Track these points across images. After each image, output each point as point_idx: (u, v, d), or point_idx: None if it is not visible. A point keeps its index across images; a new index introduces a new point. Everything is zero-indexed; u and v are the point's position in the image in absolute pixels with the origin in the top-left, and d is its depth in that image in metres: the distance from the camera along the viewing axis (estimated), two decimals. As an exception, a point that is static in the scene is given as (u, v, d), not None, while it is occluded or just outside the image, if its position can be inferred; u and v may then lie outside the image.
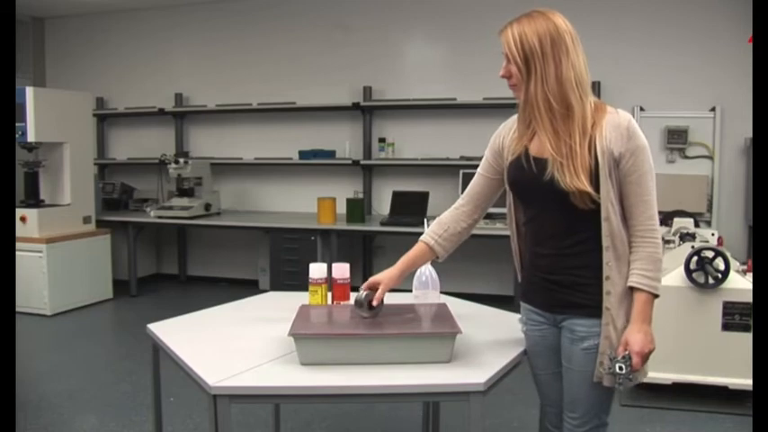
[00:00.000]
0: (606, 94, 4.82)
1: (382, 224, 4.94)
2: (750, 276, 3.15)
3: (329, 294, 2.08)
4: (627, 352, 1.57)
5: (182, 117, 6.18)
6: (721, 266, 3.09)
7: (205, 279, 6.22)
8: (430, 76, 5.43)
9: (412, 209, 4.95)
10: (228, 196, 6.01)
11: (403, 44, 5.57)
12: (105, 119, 6.47)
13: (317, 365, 1.62)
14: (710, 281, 3.10)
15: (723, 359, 3.13)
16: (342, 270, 2.07)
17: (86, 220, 5.30)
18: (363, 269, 5.57)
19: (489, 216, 4.87)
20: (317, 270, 2.06)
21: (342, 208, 5.13)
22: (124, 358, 3.97)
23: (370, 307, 1.75)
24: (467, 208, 1.92)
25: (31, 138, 4.74)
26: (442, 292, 2.00)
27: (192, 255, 6.33)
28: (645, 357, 1.58)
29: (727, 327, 3.11)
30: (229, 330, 2.02)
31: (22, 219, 4.88)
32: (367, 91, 5.50)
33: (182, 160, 5.41)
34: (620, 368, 1.56)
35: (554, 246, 1.67)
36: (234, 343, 1.88)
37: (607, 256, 1.60)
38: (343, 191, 5.41)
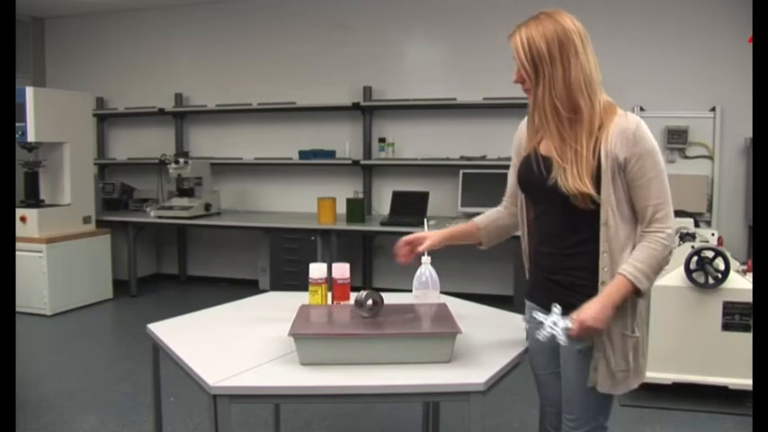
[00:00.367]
0: (606, 94, 4.82)
1: (382, 224, 4.94)
2: (750, 276, 3.15)
3: (329, 294, 2.08)
4: (573, 317, 1.56)
5: (182, 117, 6.19)
6: (721, 266, 3.09)
7: (205, 279, 6.22)
8: (430, 76, 5.43)
9: (412, 209, 4.95)
10: (228, 196, 6.01)
11: (403, 44, 5.57)
12: (105, 119, 6.47)
13: (317, 365, 1.62)
14: (710, 281, 3.10)
15: (723, 359, 3.13)
16: (342, 270, 2.07)
17: (86, 220, 5.30)
18: (363, 269, 5.58)
19: (489, 216, 4.88)
20: (316, 270, 2.06)
21: (342, 208, 5.13)
22: (124, 358, 3.97)
23: (371, 306, 1.75)
24: (513, 209, 1.92)
25: (31, 138, 4.74)
26: (442, 292, 1.99)
27: (192, 255, 6.33)
28: (584, 330, 1.54)
29: (727, 327, 3.11)
30: (229, 330, 2.02)
31: (22, 219, 4.88)
32: (367, 91, 5.50)
33: (182, 160, 5.41)
34: (554, 323, 1.56)
35: (556, 245, 1.69)
36: (234, 343, 1.88)
37: (603, 261, 1.60)
38: (343, 191, 5.41)
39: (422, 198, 5.04)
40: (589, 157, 1.57)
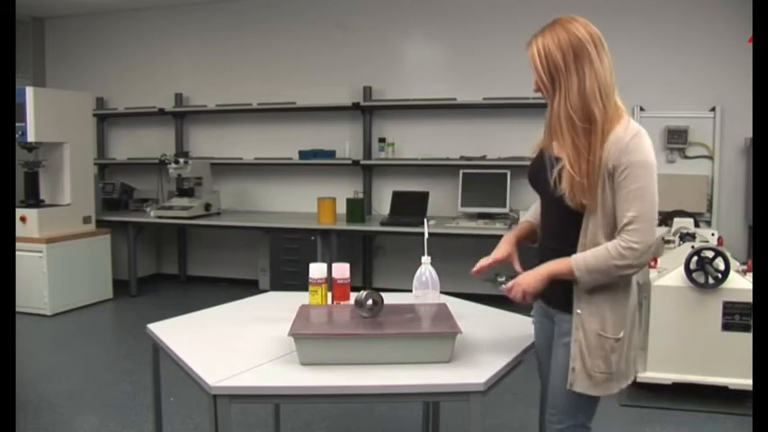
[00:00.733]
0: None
1: (382, 224, 4.94)
2: (750, 276, 3.15)
3: (329, 294, 2.08)
4: (512, 277, 1.72)
5: (182, 117, 6.19)
6: (721, 266, 3.09)
7: (205, 279, 6.22)
8: (430, 76, 5.43)
9: (412, 209, 4.95)
10: (228, 196, 6.01)
11: (403, 44, 5.57)
12: (105, 119, 6.47)
13: (317, 365, 1.62)
14: (710, 281, 3.10)
15: (723, 359, 3.13)
16: (342, 270, 2.07)
17: (86, 220, 5.30)
18: (363, 269, 5.58)
19: (489, 216, 4.88)
20: (316, 270, 2.06)
21: (342, 208, 5.13)
22: (124, 358, 3.97)
23: (371, 306, 1.76)
24: None
25: (31, 138, 4.74)
26: (441, 292, 2.00)
27: (192, 255, 6.33)
28: (515, 290, 1.68)
29: (727, 327, 3.11)
30: (229, 330, 2.02)
31: (22, 219, 4.88)
32: (367, 91, 5.50)
33: (182, 160, 5.41)
34: (502, 282, 1.75)
35: (553, 242, 1.73)
36: (234, 343, 1.88)
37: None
38: (343, 191, 5.41)
39: (422, 198, 5.04)
40: (597, 165, 1.58)
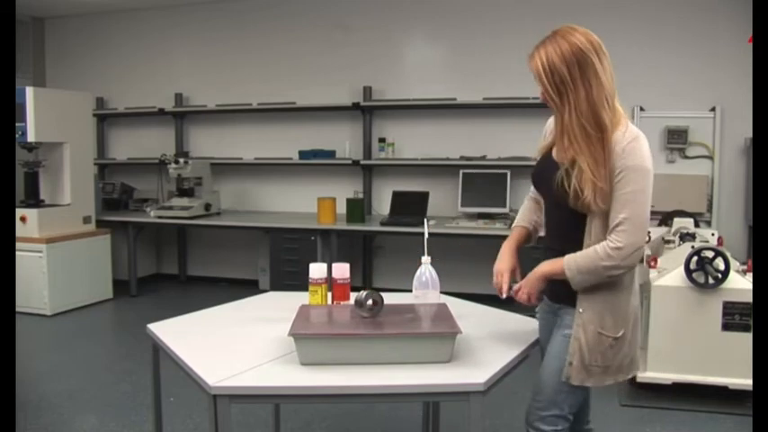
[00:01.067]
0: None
1: (382, 224, 4.94)
2: (750, 276, 3.15)
3: (329, 294, 2.08)
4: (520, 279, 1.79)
5: (182, 117, 6.18)
6: (721, 266, 3.09)
7: (205, 279, 6.22)
8: (430, 76, 5.43)
9: (412, 209, 4.95)
10: (228, 196, 6.01)
11: (403, 44, 5.57)
12: (105, 119, 6.47)
13: (317, 365, 1.62)
14: (710, 281, 3.10)
15: (723, 359, 3.13)
16: (342, 270, 2.07)
17: (86, 220, 5.30)
18: (363, 269, 5.58)
19: (489, 216, 4.88)
20: (316, 270, 2.06)
21: (342, 208, 5.13)
22: (124, 358, 3.97)
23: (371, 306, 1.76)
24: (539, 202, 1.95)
25: (31, 138, 4.74)
26: (442, 292, 2.00)
27: (192, 255, 6.33)
28: (524, 294, 1.75)
29: (727, 327, 3.11)
30: (229, 330, 2.02)
31: (22, 219, 4.88)
32: (367, 91, 5.50)
33: (182, 160, 5.41)
34: (511, 287, 1.81)
35: (558, 243, 1.76)
36: (234, 343, 1.88)
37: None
38: (343, 191, 5.41)
39: (422, 198, 5.04)
40: (611, 170, 1.61)
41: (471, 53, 5.31)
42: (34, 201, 5.05)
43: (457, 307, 1.92)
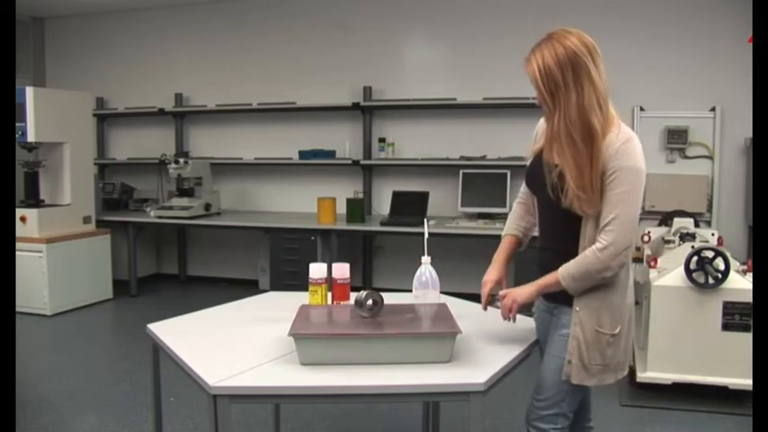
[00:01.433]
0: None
1: (382, 224, 4.94)
2: (750, 276, 3.15)
3: (329, 294, 2.08)
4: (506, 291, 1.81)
5: (182, 117, 6.19)
6: (721, 266, 3.09)
7: (205, 279, 6.22)
8: (430, 76, 5.43)
9: (412, 209, 4.95)
10: (228, 196, 6.01)
11: (403, 44, 5.57)
12: (105, 119, 6.47)
13: (317, 365, 1.62)
14: (710, 281, 3.10)
15: (723, 359, 3.12)
16: (342, 270, 2.07)
17: (86, 220, 5.30)
18: (363, 269, 5.58)
19: (489, 216, 4.88)
20: (316, 270, 2.06)
21: (342, 208, 5.13)
22: (124, 358, 3.97)
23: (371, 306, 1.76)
24: (531, 200, 1.96)
25: (31, 138, 4.74)
26: (442, 292, 2.00)
27: (192, 255, 6.33)
28: (508, 301, 1.76)
29: (727, 327, 3.11)
30: (229, 330, 2.02)
31: (22, 219, 4.88)
32: (367, 91, 5.49)
33: (182, 160, 5.41)
34: (497, 298, 1.84)
35: (552, 243, 1.78)
36: (234, 343, 1.88)
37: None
38: (343, 191, 5.41)
39: (422, 198, 5.04)
40: (599, 174, 1.63)
41: (471, 53, 5.31)
42: (34, 201, 5.05)
43: (457, 307, 1.92)
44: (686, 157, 4.82)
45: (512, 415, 3.06)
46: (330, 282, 2.08)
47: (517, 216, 1.98)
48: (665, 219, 4.49)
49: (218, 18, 6.01)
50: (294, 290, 2.44)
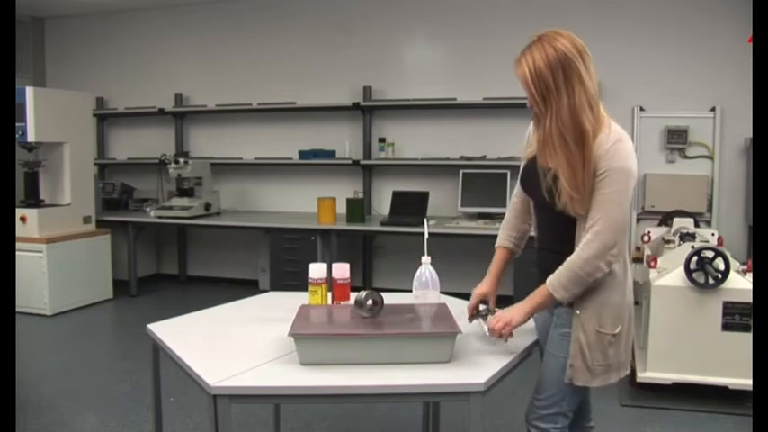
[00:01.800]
0: (606, 94, 4.81)
1: (382, 224, 4.94)
2: (750, 276, 3.15)
3: (329, 294, 2.08)
4: (496, 310, 1.81)
5: (182, 117, 6.18)
6: (721, 266, 3.09)
7: (205, 279, 6.22)
8: (430, 76, 5.43)
9: (412, 209, 4.95)
10: (228, 196, 6.01)
11: (403, 44, 5.56)
12: (105, 119, 6.47)
13: (317, 365, 1.62)
14: (710, 281, 3.10)
15: (723, 359, 3.12)
16: (342, 270, 2.07)
17: (86, 220, 5.30)
18: (363, 269, 5.58)
19: (489, 216, 4.88)
20: (316, 270, 2.06)
21: (342, 208, 5.13)
22: (124, 358, 3.97)
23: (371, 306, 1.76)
24: (522, 206, 1.97)
25: (31, 138, 4.74)
26: (441, 292, 2.00)
27: (192, 255, 6.33)
28: (502, 327, 1.71)
29: (727, 327, 3.11)
30: (229, 330, 2.02)
31: (22, 219, 4.88)
32: (367, 91, 5.49)
33: (182, 160, 5.41)
34: (485, 313, 1.86)
35: (551, 244, 1.78)
36: (234, 343, 1.88)
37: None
38: (343, 191, 5.41)
39: (422, 198, 5.04)
40: (591, 175, 1.63)
41: (471, 53, 5.31)
42: (34, 201, 5.05)
43: (457, 307, 1.92)
44: (686, 157, 4.82)
45: (512, 415, 3.06)
46: (330, 282, 2.08)
47: (509, 226, 1.99)
48: (665, 219, 4.49)
49: (218, 18, 6.01)
50: (294, 290, 2.44)
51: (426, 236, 2.01)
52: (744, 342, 3.03)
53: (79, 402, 3.30)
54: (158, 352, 2.01)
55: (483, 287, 1.94)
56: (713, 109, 4.75)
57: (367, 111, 5.53)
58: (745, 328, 3.08)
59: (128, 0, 5.98)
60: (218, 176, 5.94)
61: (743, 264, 3.34)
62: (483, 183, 4.98)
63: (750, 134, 4.57)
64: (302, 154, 5.60)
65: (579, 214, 1.66)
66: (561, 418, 1.76)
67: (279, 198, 5.94)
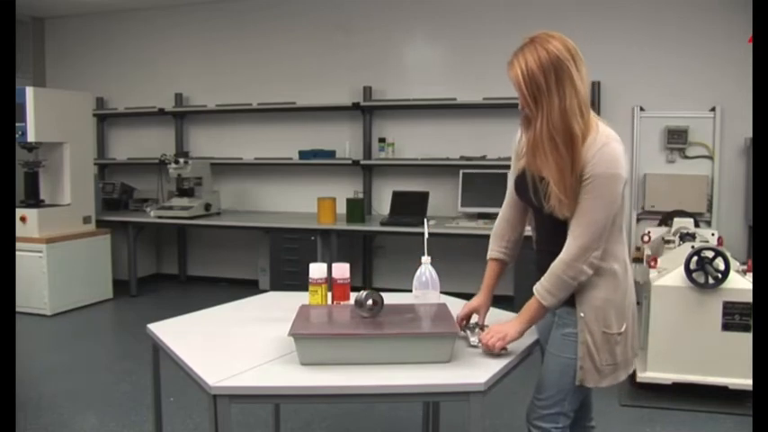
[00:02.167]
0: (606, 94, 4.82)
1: (382, 224, 4.94)
2: (750, 276, 3.15)
3: (329, 294, 2.08)
4: (487, 326, 1.81)
5: (182, 117, 6.18)
6: (721, 266, 3.09)
7: (205, 279, 6.22)
8: (430, 76, 5.43)
9: (412, 209, 4.95)
10: (228, 196, 6.01)
11: (403, 44, 5.56)
12: (105, 119, 6.47)
13: (317, 365, 1.62)
14: (710, 281, 3.10)
15: (723, 359, 3.13)
16: (342, 270, 2.07)
17: (86, 220, 5.30)
18: (363, 269, 5.58)
19: (489, 216, 4.88)
20: (316, 270, 2.06)
21: (342, 208, 5.13)
22: (124, 358, 3.97)
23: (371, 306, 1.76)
24: (513, 213, 1.95)
25: (31, 138, 4.74)
26: (441, 292, 1.99)
27: (192, 255, 6.33)
28: (495, 342, 1.69)
29: (727, 327, 3.11)
30: (229, 330, 2.02)
31: (22, 219, 4.88)
32: (367, 91, 5.49)
33: (182, 160, 5.41)
34: (474, 329, 1.84)
35: (550, 245, 1.76)
36: (234, 343, 1.88)
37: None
38: (343, 191, 5.41)
39: (422, 198, 5.04)
40: (579, 178, 1.64)
41: (471, 53, 5.31)
42: (34, 201, 5.05)
43: (457, 307, 1.93)
44: (686, 157, 4.82)
45: (512, 415, 3.06)
46: (330, 282, 2.08)
47: (498, 236, 1.97)
48: (665, 219, 4.49)
49: (218, 18, 6.01)
50: (294, 290, 2.44)
51: (426, 236, 2.01)
52: (744, 342, 3.03)
53: (79, 402, 3.30)
54: (158, 352, 2.01)
55: (475, 302, 1.93)
56: (713, 109, 4.75)
57: (367, 111, 5.53)
58: (745, 328, 3.08)
59: (128, 0, 5.98)
60: (218, 176, 5.94)
61: (743, 264, 3.34)
62: (483, 183, 4.98)
63: (750, 134, 4.57)
64: (302, 154, 5.60)
65: (567, 217, 1.66)
66: (562, 417, 1.76)
67: (279, 198, 5.94)
